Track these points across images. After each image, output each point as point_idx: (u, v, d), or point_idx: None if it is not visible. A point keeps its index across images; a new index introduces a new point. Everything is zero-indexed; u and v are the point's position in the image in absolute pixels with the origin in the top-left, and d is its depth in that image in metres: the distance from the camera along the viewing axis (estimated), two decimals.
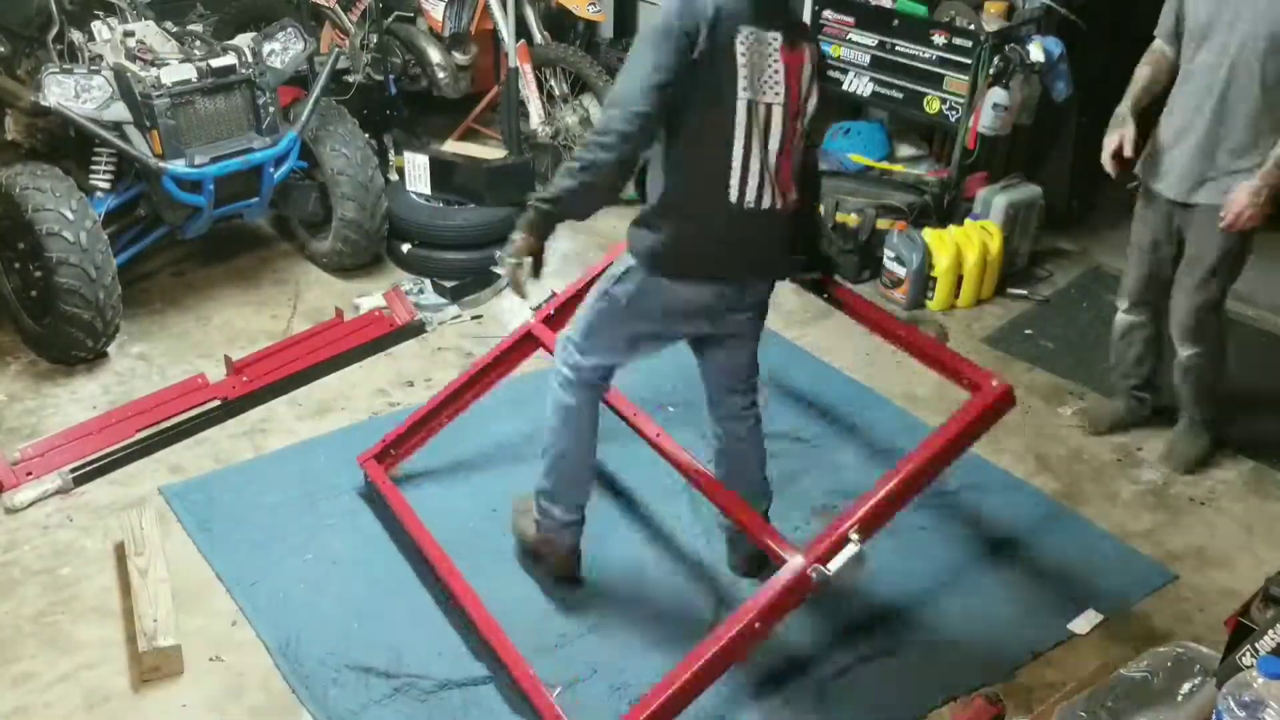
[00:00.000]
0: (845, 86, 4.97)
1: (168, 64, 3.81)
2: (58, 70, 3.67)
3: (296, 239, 4.67)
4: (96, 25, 3.91)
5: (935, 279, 4.44)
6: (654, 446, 3.04)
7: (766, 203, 2.53)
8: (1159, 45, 3.35)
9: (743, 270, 2.62)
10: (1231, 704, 1.88)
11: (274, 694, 2.68)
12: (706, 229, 2.52)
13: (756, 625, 2.40)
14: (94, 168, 3.91)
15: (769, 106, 2.48)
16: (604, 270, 2.82)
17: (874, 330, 2.96)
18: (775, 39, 2.46)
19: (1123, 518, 3.39)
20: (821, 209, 4.61)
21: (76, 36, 3.94)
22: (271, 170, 4.07)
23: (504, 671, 2.66)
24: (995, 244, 4.50)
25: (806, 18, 5.04)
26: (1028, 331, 4.40)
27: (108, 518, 3.18)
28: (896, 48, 4.72)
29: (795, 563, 2.45)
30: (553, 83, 5.16)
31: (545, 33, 5.22)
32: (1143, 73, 3.38)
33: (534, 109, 5.05)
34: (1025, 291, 4.63)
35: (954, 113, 4.61)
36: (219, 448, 3.53)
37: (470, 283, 4.44)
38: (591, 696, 2.69)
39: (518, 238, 2.45)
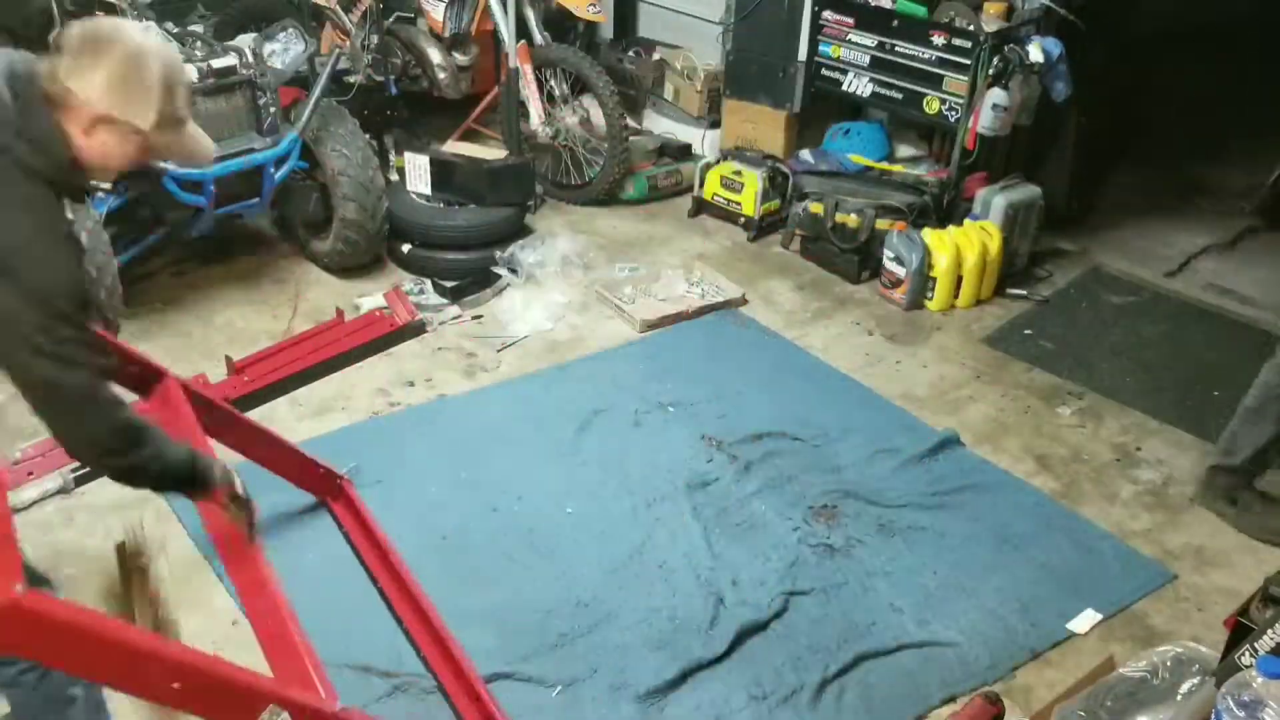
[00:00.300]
0: (845, 87, 4.98)
1: None
2: None
3: (297, 239, 4.67)
4: None
5: (935, 279, 4.45)
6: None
7: None
8: None
9: None
10: (1231, 703, 1.89)
11: None
12: None
13: None
14: None
15: None
16: None
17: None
18: None
19: (1122, 517, 3.39)
20: (822, 209, 4.65)
21: None
22: (272, 171, 4.08)
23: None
24: (995, 244, 4.50)
25: (806, 18, 5.07)
26: (1027, 332, 4.40)
27: (108, 517, 3.19)
28: (896, 48, 4.73)
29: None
30: (553, 83, 5.17)
31: (545, 33, 5.22)
32: None
33: (534, 109, 5.05)
34: (1025, 292, 4.64)
35: (953, 113, 4.61)
36: (219, 447, 3.52)
37: (470, 283, 4.45)
38: (591, 696, 2.69)
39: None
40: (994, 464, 3.58)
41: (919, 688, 2.76)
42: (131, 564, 2.67)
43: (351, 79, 5.11)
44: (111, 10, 4.06)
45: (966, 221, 4.60)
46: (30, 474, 3.32)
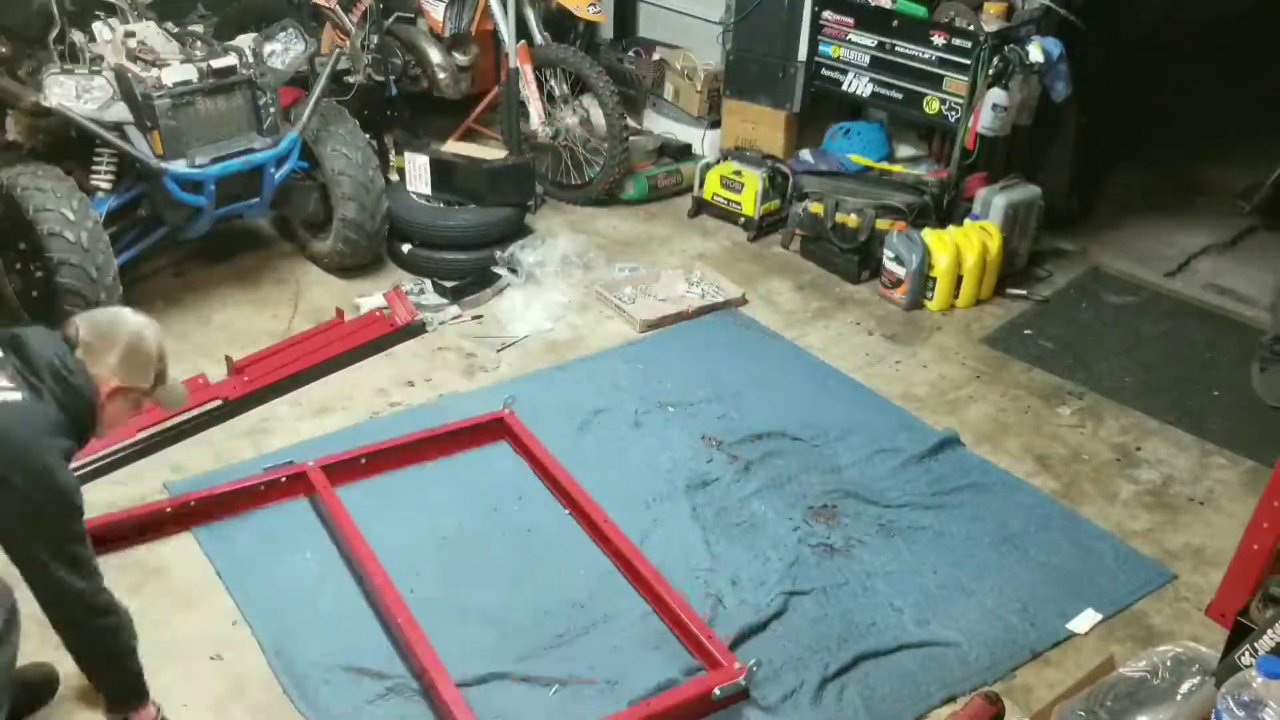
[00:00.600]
0: (845, 87, 4.98)
1: (169, 64, 3.82)
2: (59, 71, 3.68)
3: (297, 239, 4.67)
4: (97, 26, 3.91)
5: (934, 279, 4.45)
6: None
7: None
8: None
9: None
10: (1231, 703, 1.89)
11: (274, 693, 2.68)
12: None
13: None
14: (95, 168, 3.91)
15: None
16: None
17: None
18: None
19: (1122, 517, 3.39)
20: (822, 209, 4.66)
21: (77, 37, 3.94)
22: (272, 171, 4.08)
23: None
24: (995, 244, 4.50)
25: (806, 18, 5.07)
26: (1027, 331, 4.40)
27: None
28: (896, 48, 4.73)
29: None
30: (553, 83, 5.17)
31: (545, 33, 5.22)
32: None
33: (534, 109, 5.05)
34: (1024, 291, 4.64)
35: (953, 113, 4.61)
36: (220, 447, 3.53)
37: (470, 283, 4.45)
38: (589, 696, 2.69)
39: None
40: (994, 464, 3.59)
41: (919, 688, 2.76)
42: None
43: (351, 79, 5.11)
44: (112, 11, 4.05)
45: (966, 221, 4.60)
46: None
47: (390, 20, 5.25)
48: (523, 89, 5.02)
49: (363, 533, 3.04)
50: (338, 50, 4.82)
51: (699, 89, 5.55)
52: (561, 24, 5.58)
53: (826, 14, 4.93)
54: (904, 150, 5.25)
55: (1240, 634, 2.26)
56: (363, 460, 3.36)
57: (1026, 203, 4.62)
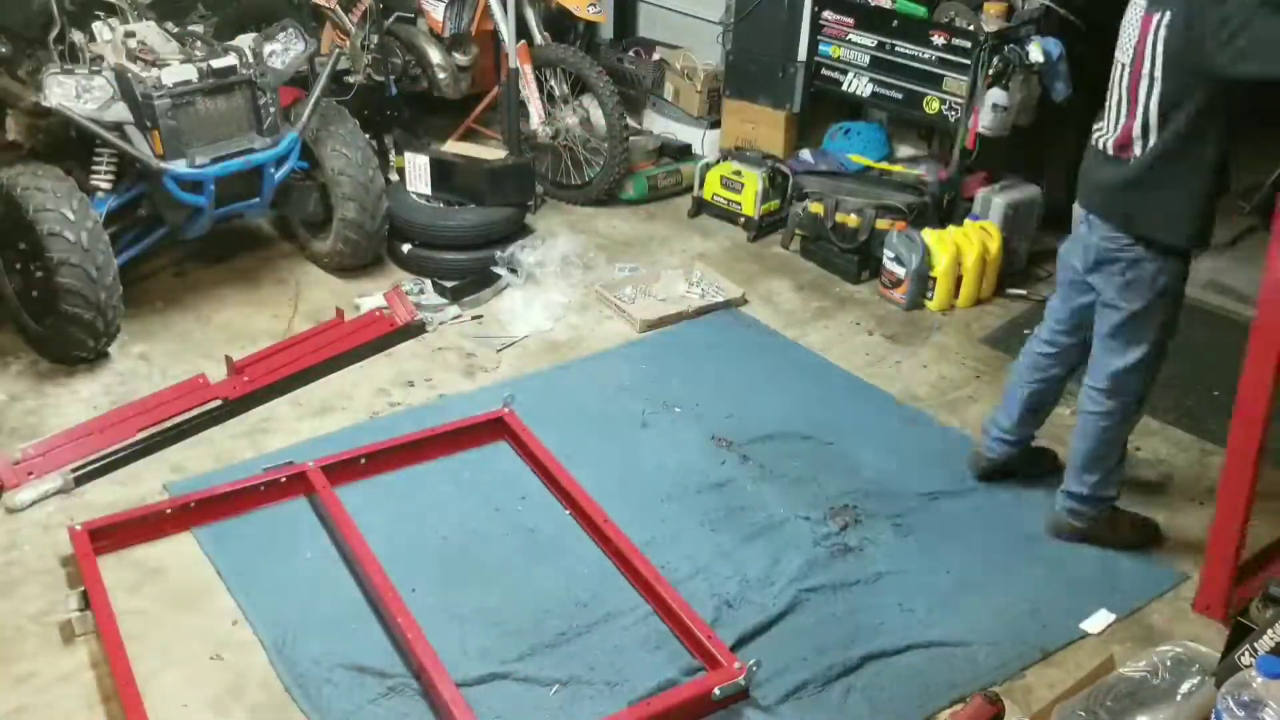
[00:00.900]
0: (845, 87, 4.98)
1: (169, 64, 3.81)
2: (59, 71, 3.67)
3: (297, 239, 4.67)
4: (97, 26, 3.91)
5: (934, 279, 4.45)
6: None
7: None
8: None
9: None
10: (1231, 703, 1.89)
11: (274, 693, 2.68)
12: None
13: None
14: (95, 168, 3.91)
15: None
16: None
17: None
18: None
19: None
20: (822, 209, 4.64)
21: (77, 37, 3.94)
22: (272, 171, 4.08)
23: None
24: (994, 244, 4.50)
25: (806, 18, 5.07)
26: (1027, 331, 4.37)
27: None
28: (896, 48, 4.73)
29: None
30: (553, 83, 5.17)
31: (545, 33, 5.22)
32: None
33: (534, 109, 5.05)
34: (1024, 291, 4.64)
35: (953, 113, 4.61)
36: (220, 447, 3.53)
37: (470, 283, 4.45)
38: (590, 696, 2.69)
39: None
40: None
41: (927, 688, 2.75)
42: None
43: (351, 79, 5.12)
44: (112, 11, 4.06)
45: (966, 221, 4.60)
46: (30, 474, 3.32)
47: (390, 20, 5.25)
48: (523, 89, 5.02)
49: (363, 533, 3.04)
50: (338, 50, 4.82)
51: (699, 89, 5.55)
52: (561, 24, 5.58)
53: (826, 14, 4.93)
54: (904, 150, 5.25)
55: (1240, 634, 2.26)
56: (363, 460, 3.36)
57: (1026, 203, 4.62)
